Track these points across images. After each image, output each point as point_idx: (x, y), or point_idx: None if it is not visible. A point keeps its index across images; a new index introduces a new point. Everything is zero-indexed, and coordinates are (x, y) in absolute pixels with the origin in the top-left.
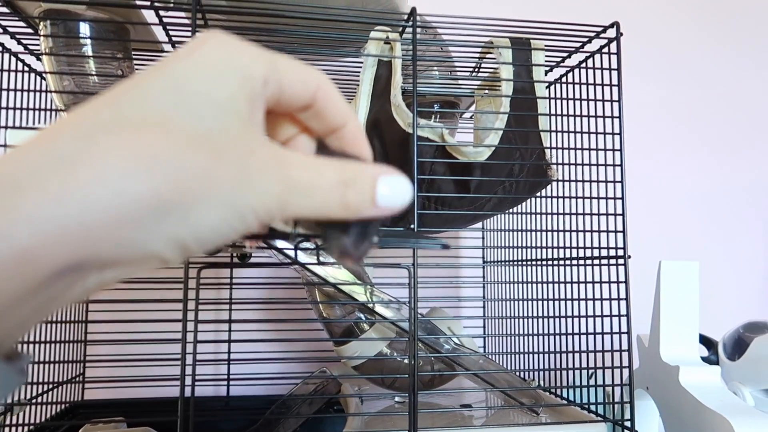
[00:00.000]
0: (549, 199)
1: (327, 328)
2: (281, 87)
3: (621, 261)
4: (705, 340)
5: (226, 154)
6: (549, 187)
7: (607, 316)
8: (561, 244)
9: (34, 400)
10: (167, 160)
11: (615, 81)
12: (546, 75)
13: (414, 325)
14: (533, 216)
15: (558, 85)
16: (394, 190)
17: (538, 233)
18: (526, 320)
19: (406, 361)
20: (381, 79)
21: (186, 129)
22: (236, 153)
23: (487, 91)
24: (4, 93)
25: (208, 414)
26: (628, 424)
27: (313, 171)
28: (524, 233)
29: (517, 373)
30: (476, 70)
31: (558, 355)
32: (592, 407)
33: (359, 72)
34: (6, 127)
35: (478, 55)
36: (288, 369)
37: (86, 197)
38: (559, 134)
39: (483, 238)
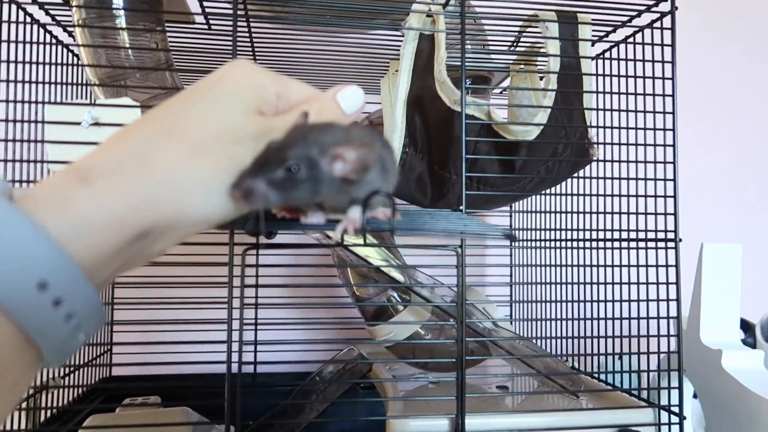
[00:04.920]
0: (590, 180)
1: (360, 309)
2: (290, 100)
3: (671, 244)
4: (742, 323)
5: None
6: (595, 166)
7: (653, 300)
8: (602, 226)
9: (66, 379)
10: (208, 151)
11: (668, 57)
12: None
13: (461, 309)
14: (571, 197)
15: (604, 61)
16: (353, 98)
17: (581, 214)
18: (565, 304)
19: (440, 341)
20: (423, 54)
21: (217, 130)
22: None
23: (522, 66)
24: (35, 67)
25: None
26: (676, 409)
27: (288, 115)
28: (562, 214)
29: (562, 358)
30: (515, 43)
31: (598, 340)
32: (635, 392)
33: (390, 46)
34: (44, 103)
35: (516, 28)
36: (317, 348)
37: (154, 181)
38: (606, 112)
39: (510, 216)
